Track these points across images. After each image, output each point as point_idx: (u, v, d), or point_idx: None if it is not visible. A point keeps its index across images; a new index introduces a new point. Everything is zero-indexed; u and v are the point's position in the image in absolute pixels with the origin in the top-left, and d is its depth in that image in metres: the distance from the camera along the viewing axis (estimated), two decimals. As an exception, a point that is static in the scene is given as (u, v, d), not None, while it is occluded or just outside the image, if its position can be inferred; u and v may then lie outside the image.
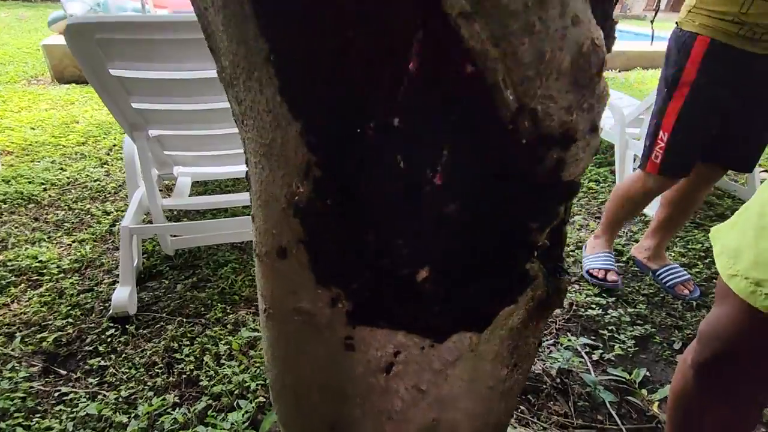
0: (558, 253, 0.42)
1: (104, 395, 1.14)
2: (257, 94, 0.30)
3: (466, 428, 0.51)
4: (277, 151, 0.33)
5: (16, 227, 1.80)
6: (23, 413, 1.08)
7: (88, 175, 2.22)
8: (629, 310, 1.53)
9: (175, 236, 1.62)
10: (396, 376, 0.41)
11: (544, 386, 1.23)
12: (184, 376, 1.19)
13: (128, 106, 1.31)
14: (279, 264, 0.35)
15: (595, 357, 1.35)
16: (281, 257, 0.34)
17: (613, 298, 1.58)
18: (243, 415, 1.06)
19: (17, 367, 1.20)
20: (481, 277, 0.38)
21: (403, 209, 0.31)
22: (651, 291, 1.63)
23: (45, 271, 1.56)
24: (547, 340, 1.39)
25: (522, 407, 1.16)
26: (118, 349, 1.28)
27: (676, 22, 1.33)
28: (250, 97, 0.31)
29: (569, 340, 1.39)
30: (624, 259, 1.80)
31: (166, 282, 1.55)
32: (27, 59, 4.32)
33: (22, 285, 1.50)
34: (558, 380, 1.26)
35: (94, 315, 1.39)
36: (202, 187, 2.19)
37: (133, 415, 1.08)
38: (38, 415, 1.08)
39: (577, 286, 1.65)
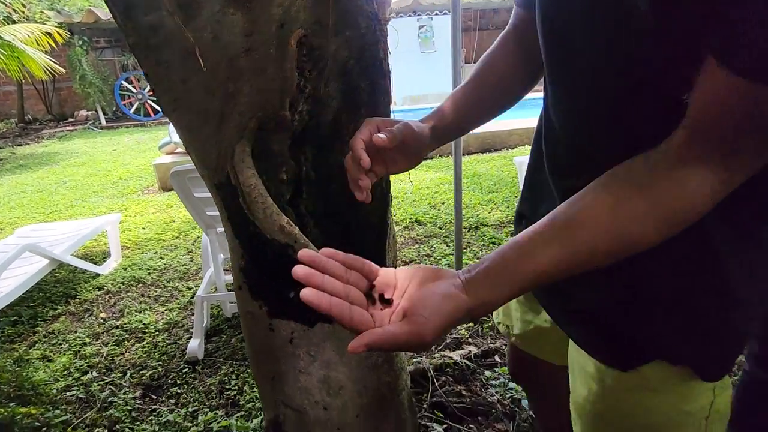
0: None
1: (178, 411, 1.66)
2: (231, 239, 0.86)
3: (349, 387, 0.96)
4: (234, 250, 0.86)
5: (129, 301, 2.52)
6: (129, 421, 1.63)
7: (178, 261, 2.97)
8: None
9: (232, 302, 2.21)
10: (295, 345, 0.89)
11: (494, 410, 1.55)
12: (229, 399, 1.69)
13: (204, 213, 1.99)
14: (239, 292, 0.87)
15: (547, 391, 1.63)
16: (239, 290, 0.86)
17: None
18: (261, 420, 1.52)
19: (127, 391, 1.78)
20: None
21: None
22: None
23: (146, 330, 2.21)
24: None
25: (472, 426, 1.49)
26: (188, 381, 1.82)
27: None
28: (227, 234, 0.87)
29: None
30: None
31: (225, 336, 2.12)
32: (142, 174, 5.60)
33: (132, 340, 2.15)
34: (509, 407, 1.57)
35: (175, 360, 1.98)
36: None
37: (195, 423, 1.58)
38: (137, 422, 1.62)
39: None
